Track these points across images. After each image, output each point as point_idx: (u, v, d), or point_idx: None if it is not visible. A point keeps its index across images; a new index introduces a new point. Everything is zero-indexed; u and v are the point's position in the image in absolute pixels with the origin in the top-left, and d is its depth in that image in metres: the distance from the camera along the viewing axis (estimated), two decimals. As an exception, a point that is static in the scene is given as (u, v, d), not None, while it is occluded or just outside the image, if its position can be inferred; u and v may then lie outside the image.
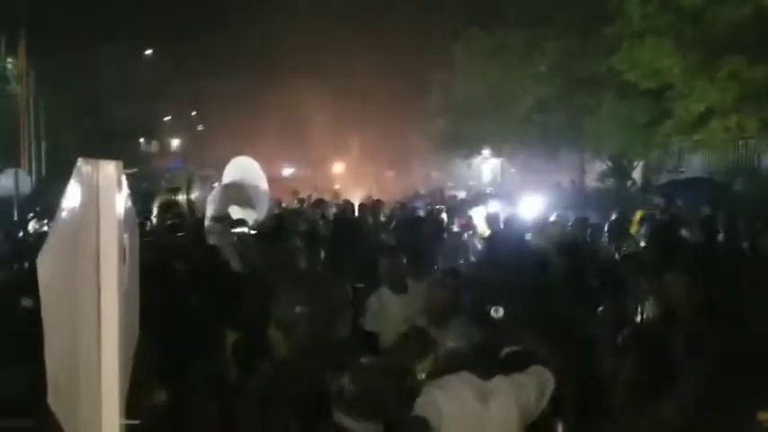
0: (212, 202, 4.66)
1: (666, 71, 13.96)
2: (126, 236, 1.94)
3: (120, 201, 1.86)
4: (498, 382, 3.23)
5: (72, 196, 1.67)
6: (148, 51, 41.91)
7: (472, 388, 3.16)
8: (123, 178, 1.94)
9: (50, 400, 1.58)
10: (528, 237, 7.52)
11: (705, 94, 13.59)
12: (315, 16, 34.88)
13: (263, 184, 4.90)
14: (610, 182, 19.28)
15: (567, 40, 17.29)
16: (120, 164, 1.84)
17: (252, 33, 36.82)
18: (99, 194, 1.77)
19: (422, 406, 3.08)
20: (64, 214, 1.63)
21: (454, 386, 3.16)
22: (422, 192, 17.13)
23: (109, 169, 1.80)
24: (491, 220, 8.47)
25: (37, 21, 24.88)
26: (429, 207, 12.08)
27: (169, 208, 5.27)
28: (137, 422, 1.86)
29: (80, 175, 1.72)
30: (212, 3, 38.62)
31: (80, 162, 1.72)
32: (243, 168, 4.92)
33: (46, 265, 1.55)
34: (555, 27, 17.66)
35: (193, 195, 5.13)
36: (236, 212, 4.63)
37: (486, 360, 3.30)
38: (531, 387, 3.32)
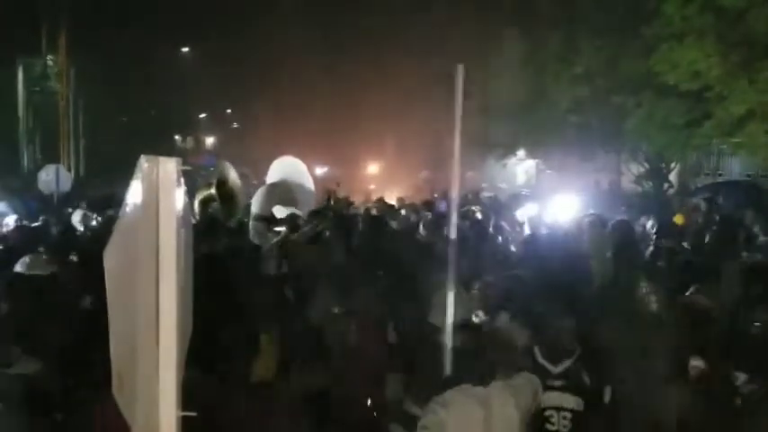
0: (257, 201, 4.70)
1: (706, 73, 13.74)
2: (183, 231, 1.98)
3: (179, 196, 1.90)
4: (496, 386, 3.37)
5: (134, 192, 1.72)
6: (185, 49, 42.43)
7: (473, 397, 3.30)
8: (181, 174, 1.98)
9: (114, 390, 1.62)
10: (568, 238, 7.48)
11: (745, 96, 13.36)
12: (352, 16, 34.96)
13: (309, 183, 4.92)
14: (647, 184, 19.02)
15: (605, 41, 17.10)
16: (180, 160, 1.88)
17: (288, 32, 36.99)
18: (159, 190, 1.81)
19: (429, 427, 3.16)
20: (127, 209, 1.67)
21: (456, 400, 3.29)
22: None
23: (169, 166, 1.84)
24: (532, 222, 8.45)
25: (76, 18, 25.31)
26: (465, 208, 12.02)
27: (208, 202, 5.36)
28: (194, 414, 1.89)
29: (142, 171, 1.76)
30: (250, 1, 38.91)
31: (142, 159, 1.76)
32: (288, 168, 4.95)
33: (111, 259, 1.59)
34: (592, 27, 17.48)
35: (229, 181, 5.15)
36: (280, 212, 4.66)
37: (484, 366, 3.38)
38: (525, 388, 3.51)
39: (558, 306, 4.21)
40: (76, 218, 8.66)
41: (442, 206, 12.92)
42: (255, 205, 4.62)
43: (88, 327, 3.70)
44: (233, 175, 5.28)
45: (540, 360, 3.88)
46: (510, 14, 21.20)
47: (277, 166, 4.92)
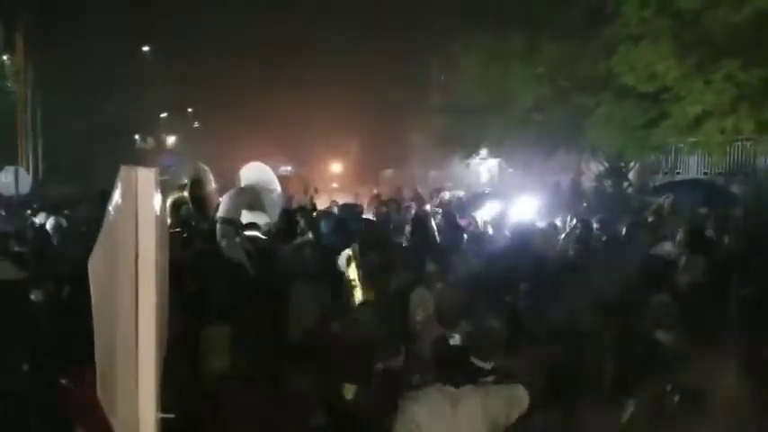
0: (224, 205, 4.73)
1: (663, 74, 14.08)
2: (161, 237, 2.04)
3: (157, 204, 1.96)
4: (467, 389, 3.50)
5: (115, 201, 1.77)
6: (145, 48, 41.88)
7: (445, 396, 3.45)
8: (158, 183, 2.04)
9: (98, 390, 1.68)
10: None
11: (701, 97, 13.71)
12: (313, 15, 34.92)
13: (277, 187, 4.97)
14: (606, 183, 19.39)
15: (566, 42, 17.38)
16: (157, 170, 1.94)
17: (249, 31, 36.80)
18: (138, 198, 1.87)
19: (403, 424, 3.29)
20: (110, 217, 1.73)
21: (429, 397, 3.46)
22: (410, 191, 17.17)
23: (147, 175, 1.91)
24: (495, 222, 8.60)
25: (33, 17, 24.84)
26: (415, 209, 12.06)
27: (179, 206, 5.36)
28: (172, 416, 1.95)
29: (121, 180, 1.82)
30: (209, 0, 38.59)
31: (122, 169, 1.82)
32: (255, 173, 4.99)
33: (95, 265, 1.65)
34: (554, 28, 17.75)
35: (205, 191, 5.18)
36: (246, 217, 4.70)
37: (456, 369, 3.49)
38: (498, 397, 3.59)
39: (488, 303, 4.38)
40: (49, 223, 8.51)
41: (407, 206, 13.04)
42: (223, 209, 4.65)
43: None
44: (207, 178, 5.30)
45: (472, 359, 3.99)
46: (473, 14, 21.35)
47: (245, 172, 4.96)
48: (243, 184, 4.84)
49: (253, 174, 4.93)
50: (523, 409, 3.62)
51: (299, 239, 5.76)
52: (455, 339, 3.87)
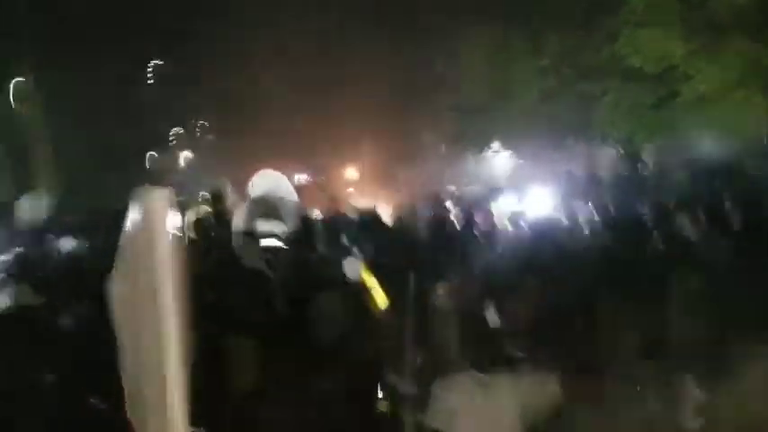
0: (239, 216, 4.77)
1: (670, 54, 14.03)
2: (177, 256, 2.09)
3: (172, 223, 2.01)
4: (500, 377, 3.47)
5: (131, 222, 1.82)
6: (156, 62, 42.18)
7: (477, 383, 3.38)
8: (173, 203, 2.09)
9: (128, 410, 1.73)
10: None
11: (710, 74, 13.66)
12: (321, 22, 35.01)
13: (292, 195, 4.99)
14: (621, 167, 19.31)
15: (569, 32, 17.35)
16: (171, 190, 1.99)
17: (259, 42, 36.94)
18: (153, 219, 1.92)
19: (436, 415, 3.27)
20: (126, 239, 1.78)
21: (462, 384, 3.37)
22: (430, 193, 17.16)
23: (161, 195, 1.96)
24: (513, 218, 8.60)
25: (41, 42, 25.11)
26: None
27: (201, 221, 5.45)
28: (201, 430, 1.99)
29: (137, 202, 1.87)
30: (215, 11, 38.80)
31: (136, 191, 1.87)
32: (268, 181, 5.01)
33: (116, 287, 1.70)
34: (555, 19, 17.74)
35: (225, 204, 5.25)
36: (262, 226, 4.73)
37: (489, 355, 3.49)
38: (531, 385, 3.54)
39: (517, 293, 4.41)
40: (69, 246, 8.61)
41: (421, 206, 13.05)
42: (238, 221, 4.69)
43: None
44: (227, 191, 5.37)
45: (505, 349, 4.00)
46: (472, 9, 21.38)
47: (257, 181, 4.98)
48: (256, 193, 4.86)
49: (265, 182, 4.95)
50: (554, 402, 3.55)
51: (318, 248, 5.82)
52: (485, 331, 3.88)
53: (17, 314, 4.66)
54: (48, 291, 5.06)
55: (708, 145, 20.71)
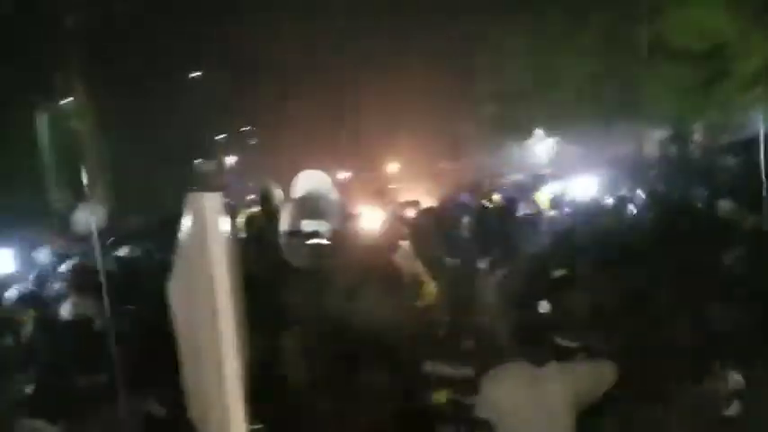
0: (285, 217, 4.82)
1: (717, 31, 13.66)
2: (231, 258, 2.13)
3: (225, 227, 2.05)
4: (551, 368, 3.37)
5: (186, 228, 1.87)
6: (198, 72, 42.86)
7: (526, 375, 3.32)
8: (224, 206, 2.14)
9: (190, 412, 1.77)
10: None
11: (759, 50, 13.25)
12: (355, 15, 35.04)
13: (334, 194, 5.03)
14: (671, 149, 18.91)
15: (610, 13, 17.03)
16: (221, 194, 2.04)
17: (295, 41, 37.21)
18: (207, 224, 1.97)
19: (482, 405, 3.24)
20: (182, 243, 1.83)
21: (509, 376, 3.32)
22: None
23: (213, 200, 2.00)
24: (555, 202, 8.51)
25: (89, 56, 25.73)
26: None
27: (252, 221, 5.56)
28: (260, 427, 2.03)
29: (191, 207, 1.92)
30: (255, 16, 39.22)
31: (189, 196, 1.92)
32: (311, 181, 5.05)
33: (174, 292, 1.75)
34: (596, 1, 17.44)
35: (274, 204, 5.33)
36: (307, 226, 4.78)
37: (539, 346, 3.43)
38: (584, 376, 3.44)
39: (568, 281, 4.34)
40: (127, 253, 8.83)
41: (463, 198, 13.01)
42: (284, 222, 4.73)
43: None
44: (275, 192, 5.44)
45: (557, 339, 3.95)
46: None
47: (300, 181, 5.02)
48: (299, 193, 4.91)
49: (307, 181, 4.99)
50: (610, 385, 3.46)
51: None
52: (536, 320, 3.84)
53: (78, 324, 4.81)
54: (107, 299, 5.20)
55: (759, 122, 20.18)
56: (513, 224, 8.04)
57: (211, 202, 1.97)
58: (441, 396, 3.83)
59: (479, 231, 7.51)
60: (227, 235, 2.03)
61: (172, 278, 1.79)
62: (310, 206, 4.78)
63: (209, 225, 1.96)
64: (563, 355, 3.72)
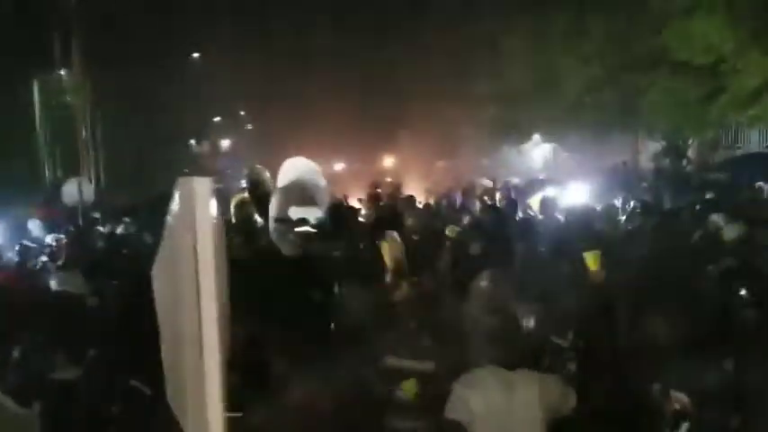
0: (273, 204, 4.78)
1: (719, 46, 13.67)
2: (219, 245, 2.11)
3: (213, 212, 2.03)
4: (523, 373, 3.38)
5: (174, 212, 1.85)
6: (196, 54, 42.68)
7: (498, 380, 3.31)
8: (214, 192, 2.11)
9: (168, 396, 1.75)
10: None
11: (760, 67, 13.28)
12: (357, 10, 34.98)
13: (321, 180, 5.00)
14: (665, 162, 18.96)
15: (614, 19, 17.02)
16: (211, 179, 2.01)
17: (296, 30, 37.12)
18: (195, 209, 1.94)
19: (453, 407, 3.24)
20: (169, 227, 1.80)
21: (481, 381, 3.32)
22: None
23: (202, 185, 1.97)
24: (545, 205, 8.50)
25: (87, 31, 25.59)
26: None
27: (242, 206, 5.53)
28: (239, 414, 2.01)
29: (179, 192, 1.89)
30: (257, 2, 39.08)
31: (179, 180, 1.89)
32: (297, 168, 5.01)
33: (158, 276, 1.72)
34: (600, 6, 17.41)
35: (264, 190, 5.28)
36: (295, 213, 4.75)
37: (511, 351, 3.44)
38: (552, 386, 3.44)
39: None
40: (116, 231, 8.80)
41: (456, 197, 13.03)
42: (272, 209, 4.70)
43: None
44: (265, 178, 5.40)
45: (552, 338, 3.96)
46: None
47: (286, 168, 4.97)
48: (286, 180, 4.87)
49: (295, 169, 4.94)
50: (572, 406, 3.46)
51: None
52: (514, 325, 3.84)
53: (65, 299, 4.78)
54: (94, 276, 5.17)
55: (756, 139, 20.29)
56: (513, 226, 8.03)
57: (201, 186, 1.94)
58: (410, 387, 3.82)
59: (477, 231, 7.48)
60: (215, 219, 2.01)
61: (156, 260, 1.76)
62: (298, 193, 4.76)
63: (198, 209, 1.93)
64: (554, 354, 3.74)
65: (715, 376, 3.68)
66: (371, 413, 3.63)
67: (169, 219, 1.82)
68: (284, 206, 4.68)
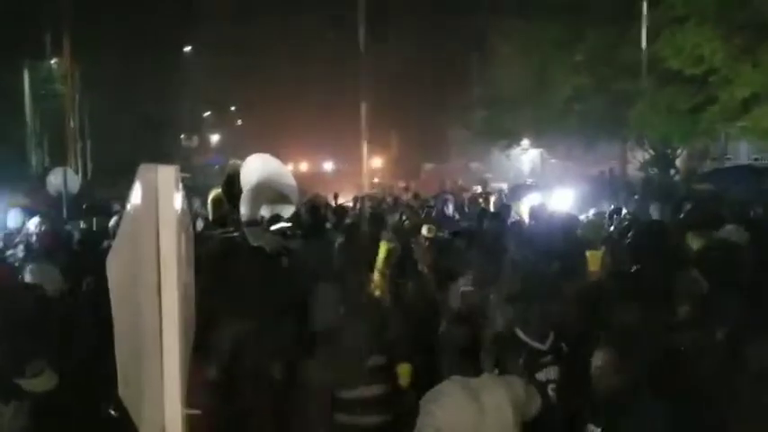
0: (244, 204, 4.70)
1: (710, 57, 13.71)
2: (183, 235, 2.04)
3: (178, 202, 1.95)
4: (487, 379, 3.37)
5: (135, 200, 1.77)
6: (187, 48, 42.47)
7: (464, 390, 3.28)
8: (180, 181, 2.04)
9: (120, 392, 1.68)
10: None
11: (750, 80, 13.32)
12: (350, 11, 34.96)
13: (290, 178, 4.93)
14: (652, 171, 18.98)
15: (606, 28, 17.05)
16: (178, 167, 1.94)
17: (289, 29, 37.01)
18: (159, 197, 1.86)
19: (423, 424, 3.21)
20: (128, 217, 1.73)
21: (447, 394, 3.28)
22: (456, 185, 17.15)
23: (167, 173, 1.89)
24: (534, 211, 8.47)
25: (79, 20, 25.39)
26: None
27: (218, 203, 5.45)
28: (198, 412, 1.94)
29: (142, 179, 1.82)
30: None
31: (142, 167, 1.81)
32: (262, 166, 4.94)
33: (113, 265, 1.65)
34: (593, 15, 17.44)
35: (239, 188, 5.21)
36: (267, 211, 4.69)
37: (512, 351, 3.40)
38: (518, 385, 3.45)
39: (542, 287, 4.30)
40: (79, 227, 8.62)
41: (448, 200, 13.01)
42: (243, 209, 4.61)
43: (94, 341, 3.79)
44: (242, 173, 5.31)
45: (525, 339, 3.92)
46: (511, 3, 21.10)
47: (252, 167, 4.87)
48: (252, 180, 4.80)
49: (262, 167, 4.88)
50: (537, 409, 3.49)
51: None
52: (503, 324, 3.82)
53: (30, 292, 4.66)
54: (67, 270, 5.06)
55: (744, 150, 20.37)
56: (504, 231, 7.98)
57: (165, 174, 1.87)
58: (405, 372, 3.81)
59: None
60: (180, 209, 1.95)
61: (112, 251, 1.69)
62: (268, 193, 4.70)
63: (162, 198, 1.86)
64: (533, 357, 3.72)
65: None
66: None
67: (128, 207, 1.75)
68: (255, 208, 4.63)
